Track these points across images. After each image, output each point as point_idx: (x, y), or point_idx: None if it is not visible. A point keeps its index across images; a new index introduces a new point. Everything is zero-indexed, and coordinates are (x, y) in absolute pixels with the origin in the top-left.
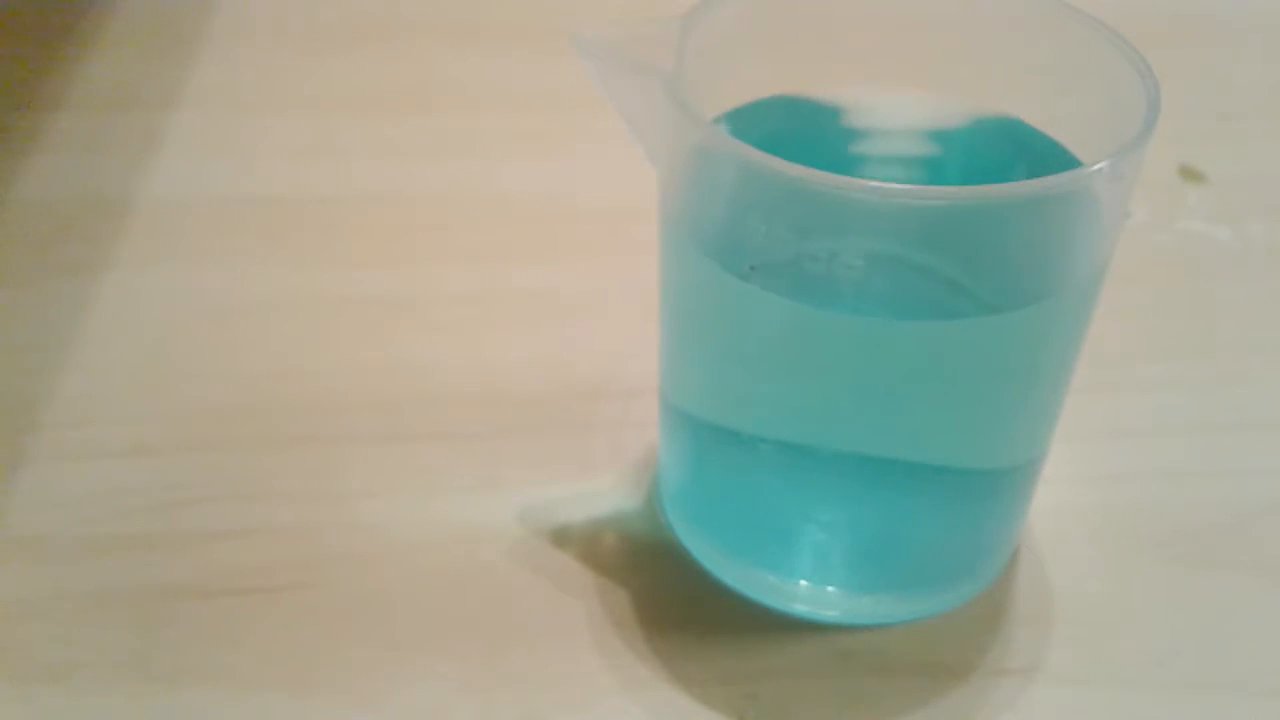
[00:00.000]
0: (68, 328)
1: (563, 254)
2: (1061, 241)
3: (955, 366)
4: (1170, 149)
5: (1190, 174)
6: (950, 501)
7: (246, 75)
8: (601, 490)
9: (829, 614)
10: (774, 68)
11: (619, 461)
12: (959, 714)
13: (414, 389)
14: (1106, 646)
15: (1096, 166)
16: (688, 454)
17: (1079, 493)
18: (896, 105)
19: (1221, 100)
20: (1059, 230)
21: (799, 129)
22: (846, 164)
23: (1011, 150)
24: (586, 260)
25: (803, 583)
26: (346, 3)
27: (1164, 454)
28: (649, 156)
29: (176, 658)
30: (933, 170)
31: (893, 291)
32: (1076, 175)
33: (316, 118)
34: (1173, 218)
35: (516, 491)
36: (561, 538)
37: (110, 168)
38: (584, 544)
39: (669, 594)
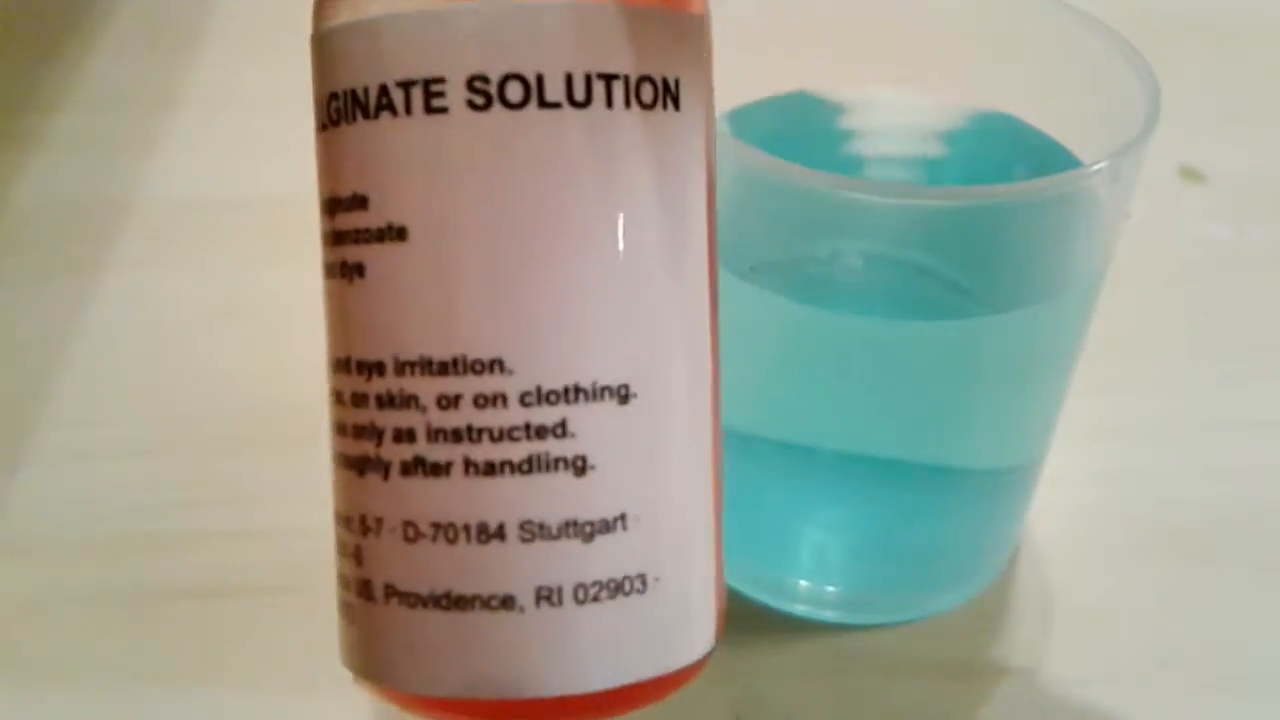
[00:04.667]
0: (68, 328)
1: None
2: (1061, 241)
3: (955, 366)
4: (1170, 149)
5: (1190, 174)
6: (950, 501)
7: (246, 75)
8: None
9: (829, 614)
10: (774, 68)
11: None
12: (959, 714)
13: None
14: (1106, 646)
15: (1096, 166)
16: None
17: (1079, 493)
18: (897, 105)
19: (1221, 100)
20: (1059, 230)
21: (799, 129)
22: (847, 164)
23: (1011, 150)
24: None
25: (803, 583)
26: None
27: (1164, 454)
28: None
29: (176, 658)
30: (933, 170)
31: (893, 292)
32: (1076, 175)
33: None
34: (1173, 218)
35: None
36: None
37: (110, 168)
38: None
39: None
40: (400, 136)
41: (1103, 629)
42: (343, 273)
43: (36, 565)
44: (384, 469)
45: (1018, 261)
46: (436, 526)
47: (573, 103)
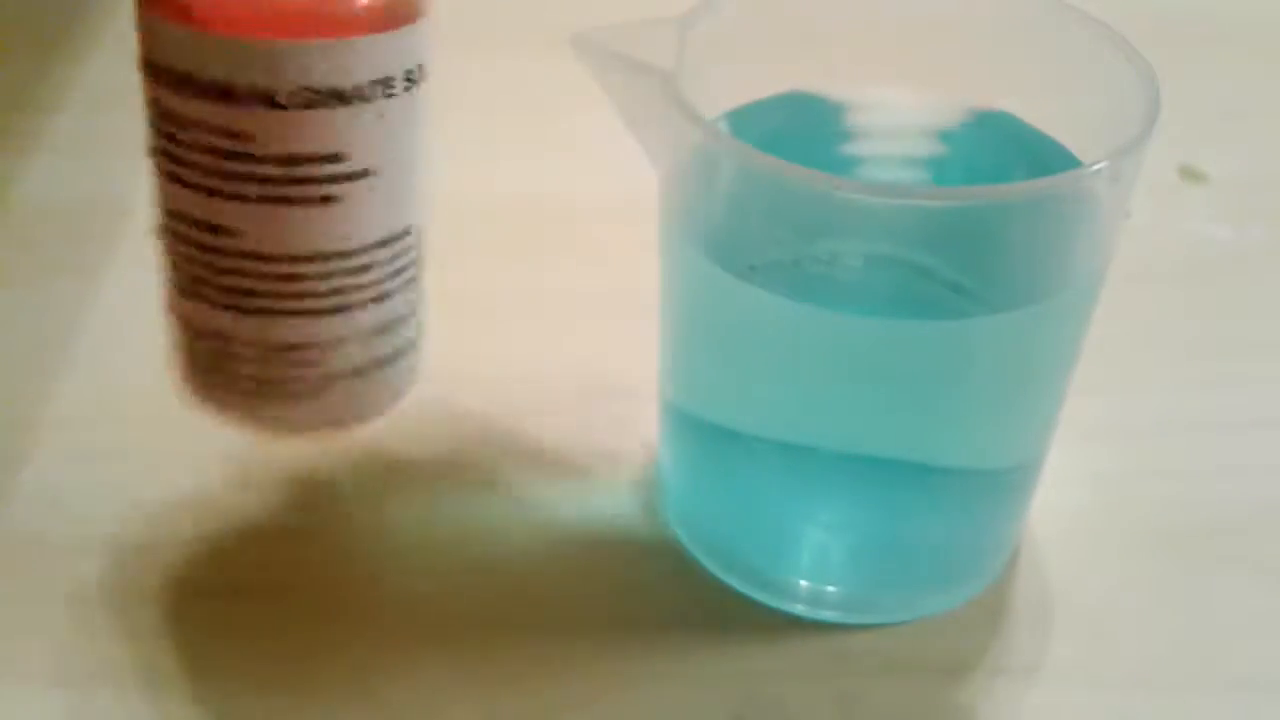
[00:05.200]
0: (68, 328)
1: (563, 254)
2: (1061, 241)
3: (955, 366)
4: (1170, 149)
5: (1190, 174)
6: (950, 501)
7: None
8: (601, 490)
9: (829, 614)
10: (774, 67)
11: (619, 461)
12: (959, 714)
13: (413, 389)
14: (1106, 646)
15: (1096, 166)
16: (688, 454)
17: (1079, 493)
18: (897, 105)
19: (1221, 100)
20: (1059, 230)
21: (799, 128)
22: (847, 164)
23: (1012, 150)
24: (586, 260)
25: (803, 583)
26: None
27: (1164, 454)
28: (649, 156)
29: (177, 658)
30: (933, 170)
31: (893, 292)
32: (1076, 175)
33: None
34: (1173, 218)
35: (517, 491)
36: (561, 538)
37: (110, 168)
38: (584, 544)
39: (669, 594)
40: (372, 113)
41: (1103, 629)
42: (310, 201)
43: (37, 565)
44: (360, 308)
45: (1018, 261)
46: (391, 326)
47: (406, 88)
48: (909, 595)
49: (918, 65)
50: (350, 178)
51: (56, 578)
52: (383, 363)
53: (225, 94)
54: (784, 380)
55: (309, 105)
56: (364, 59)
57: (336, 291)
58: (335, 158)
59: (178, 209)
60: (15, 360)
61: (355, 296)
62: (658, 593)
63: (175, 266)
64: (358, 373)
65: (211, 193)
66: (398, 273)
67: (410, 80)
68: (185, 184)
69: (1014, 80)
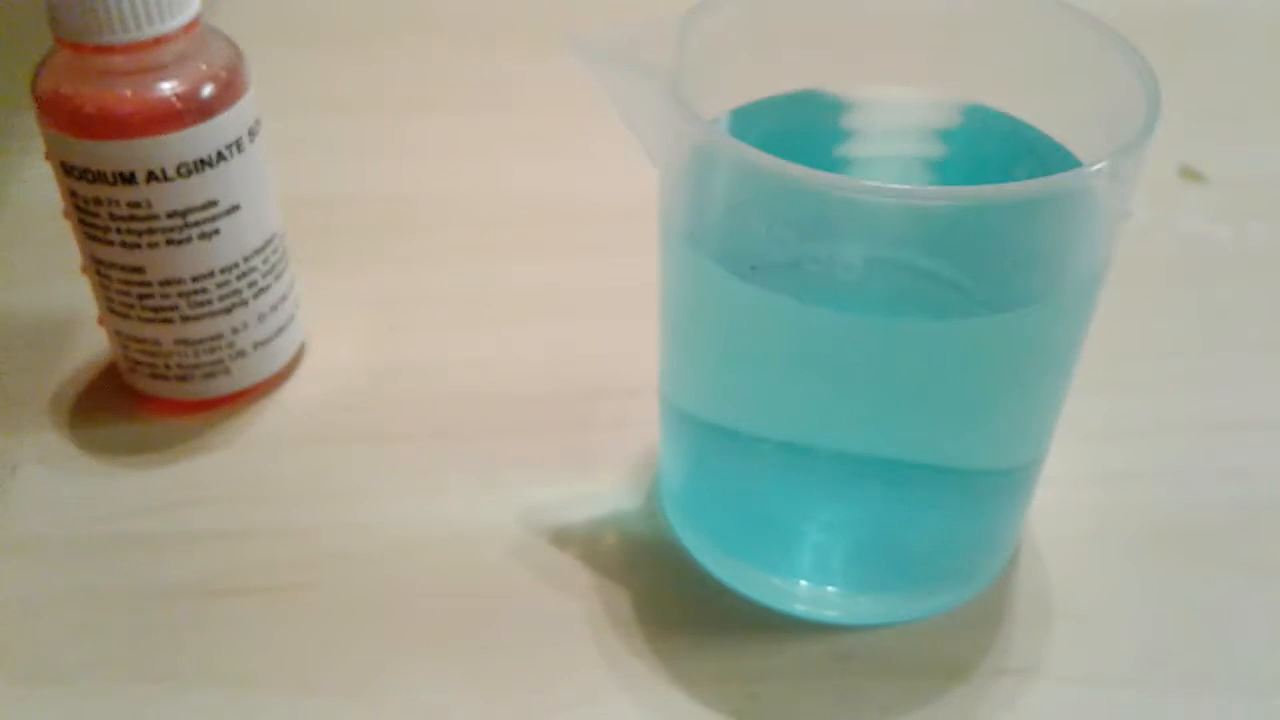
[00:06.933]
0: (68, 327)
1: (563, 253)
2: (1061, 241)
3: (955, 366)
4: (1170, 149)
5: (1190, 174)
6: (950, 501)
7: None
8: (601, 490)
9: (829, 614)
10: (774, 68)
11: (619, 461)
12: (959, 714)
13: (414, 389)
14: (1106, 646)
15: (1096, 166)
16: (688, 454)
17: (1079, 493)
18: (897, 105)
19: (1221, 100)
20: (1059, 230)
21: (799, 129)
22: (847, 164)
23: (1011, 150)
24: (586, 260)
25: (803, 583)
26: (347, 4)
27: (1164, 454)
28: (649, 156)
29: (176, 658)
30: (933, 170)
31: (893, 292)
32: (1076, 175)
33: (315, 119)
34: (1173, 218)
35: (516, 491)
36: (561, 538)
37: None
38: (584, 544)
39: (669, 594)
40: (231, 166)
41: (1102, 629)
42: (201, 236)
43: (36, 565)
44: (248, 303)
45: (1018, 261)
46: (273, 310)
47: (250, 141)
48: (909, 595)
49: (918, 65)
50: (225, 214)
51: (56, 577)
52: (271, 338)
53: (128, 179)
54: (784, 380)
55: (187, 174)
56: (218, 133)
57: (229, 295)
58: (211, 204)
59: (100, 257)
60: (15, 360)
61: (243, 295)
62: (658, 593)
63: (105, 294)
64: (255, 348)
65: (125, 245)
66: (270, 270)
67: (252, 134)
68: (102, 241)
69: (1014, 80)
